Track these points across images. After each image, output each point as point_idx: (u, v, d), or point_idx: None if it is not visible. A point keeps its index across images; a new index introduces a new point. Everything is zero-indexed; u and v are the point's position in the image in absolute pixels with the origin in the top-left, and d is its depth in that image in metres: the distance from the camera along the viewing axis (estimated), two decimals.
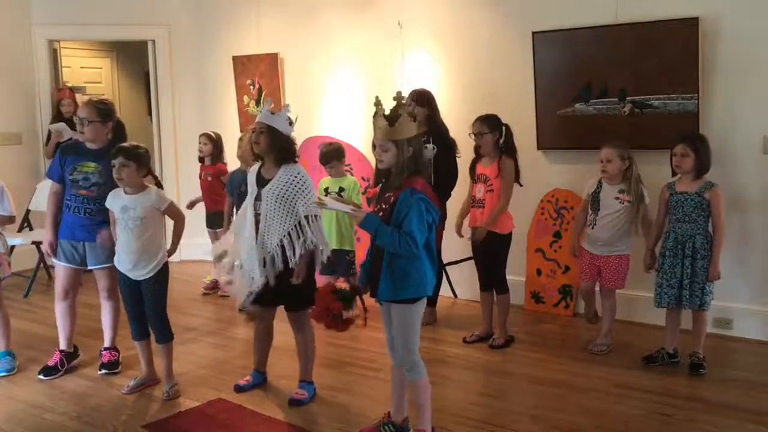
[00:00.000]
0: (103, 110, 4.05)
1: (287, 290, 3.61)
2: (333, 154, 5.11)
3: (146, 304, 3.80)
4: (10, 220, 4.25)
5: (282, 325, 3.89)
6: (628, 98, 4.80)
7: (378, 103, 3.03)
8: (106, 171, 3.91)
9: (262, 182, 3.62)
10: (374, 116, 3.04)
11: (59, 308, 4.20)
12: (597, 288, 4.47)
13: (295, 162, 3.66)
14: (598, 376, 4.02)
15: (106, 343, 4.24)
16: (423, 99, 4.81)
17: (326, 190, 5.07)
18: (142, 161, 3.75)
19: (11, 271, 4.38)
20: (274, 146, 3.57)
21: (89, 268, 4.09)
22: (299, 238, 3.54)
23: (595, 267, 4.36)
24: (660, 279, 4.13)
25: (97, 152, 4.04)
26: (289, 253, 3.53)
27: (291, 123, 3.64)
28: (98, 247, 4.00)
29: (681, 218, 4.05)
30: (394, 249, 2.96)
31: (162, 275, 3.81)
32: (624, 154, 4.23)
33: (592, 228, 4.33)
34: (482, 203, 4.51)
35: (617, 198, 4.24)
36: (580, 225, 4.49)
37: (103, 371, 4.17)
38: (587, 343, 4.47)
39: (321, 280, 3.84)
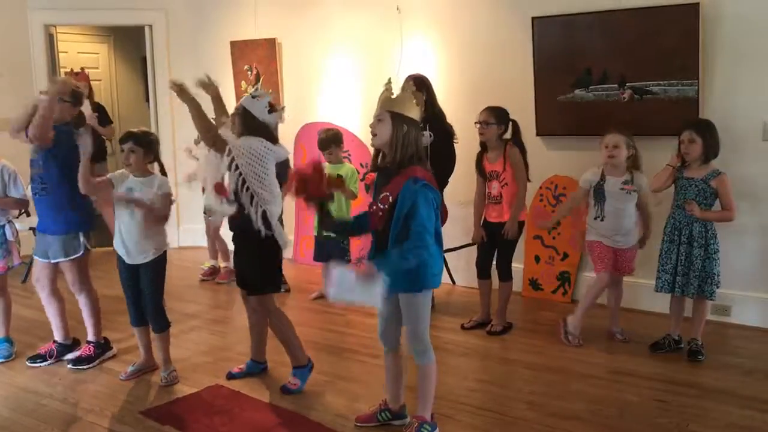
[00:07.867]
0: (75, 92, 4.03)
1: (246, 273, 3.66)
2: (331, 140, 5.13)
3: (143, 292, 3.79)
4: (24, 204, 4.25)
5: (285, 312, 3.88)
6: (627, 84, 4.77)
7: (388, 83, 2.99)
8: (42, 151, 3.91)
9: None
10: (381, 94, 2.98)
11: (42, 300, 4.19)
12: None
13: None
14: (595, 363, 4.03)
15: (88, 337, 4.18)
16: (419, 84, 4.76)
17: None
18: (151, 148, 3.76)
19: (20, 260, 4.34)
20: (245, 130, 3.55)
21: (53, 261, 3.98)
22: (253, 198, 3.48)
23: (611, 257, 4.25)
24: (659, 264, 4.13)
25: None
26: (254, 217, 3.47)
27: (271, 110, 3.59)
28: (61, 240, 3.93)
29: (681, 204, 4.04)
30: (416, 259, 2.81)
31: (160, 263, 3.80)
32: (630, 142, 4.16)
33: (602, 220, 4.23)
34: (498, 199, 4.49)
35: (623, 189, 4.17)
36: (569, 206, 4.48)
37: (70, 365, 4.07)
38: (587, 332, 4.46)
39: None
